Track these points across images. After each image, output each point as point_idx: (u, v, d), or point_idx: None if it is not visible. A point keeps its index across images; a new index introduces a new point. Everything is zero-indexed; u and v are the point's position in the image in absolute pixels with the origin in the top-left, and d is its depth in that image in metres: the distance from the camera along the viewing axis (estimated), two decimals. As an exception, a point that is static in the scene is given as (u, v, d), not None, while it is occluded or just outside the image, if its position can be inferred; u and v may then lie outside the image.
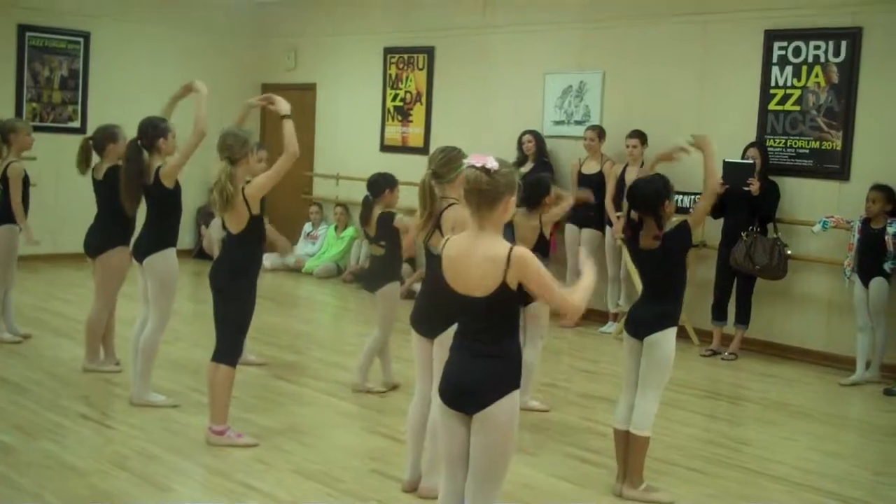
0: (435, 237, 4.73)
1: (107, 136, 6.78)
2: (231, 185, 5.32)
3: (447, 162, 4.82)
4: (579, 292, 3.53)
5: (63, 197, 9.27)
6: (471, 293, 3.47)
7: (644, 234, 5.04)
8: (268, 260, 11.64)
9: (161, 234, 6.26)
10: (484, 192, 3.43)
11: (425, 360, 4.90)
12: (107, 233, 6.78)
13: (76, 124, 11.99)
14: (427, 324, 4.85)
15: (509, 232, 3.69)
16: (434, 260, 4.81)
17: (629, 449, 5.06)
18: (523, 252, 3.42)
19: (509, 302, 3.44)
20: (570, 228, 9.77)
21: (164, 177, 6.16)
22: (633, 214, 5.08)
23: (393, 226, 6.66)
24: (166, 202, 6.24)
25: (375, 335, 6.83)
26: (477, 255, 3.44)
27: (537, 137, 10.07)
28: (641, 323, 5.03)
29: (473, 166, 3.44)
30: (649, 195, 5.01)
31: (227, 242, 5.60)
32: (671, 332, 4.97)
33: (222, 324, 5.55)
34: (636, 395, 5.03)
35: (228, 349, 5.56)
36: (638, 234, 5.08)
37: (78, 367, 7.02)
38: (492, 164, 3.43)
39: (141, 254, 6.28)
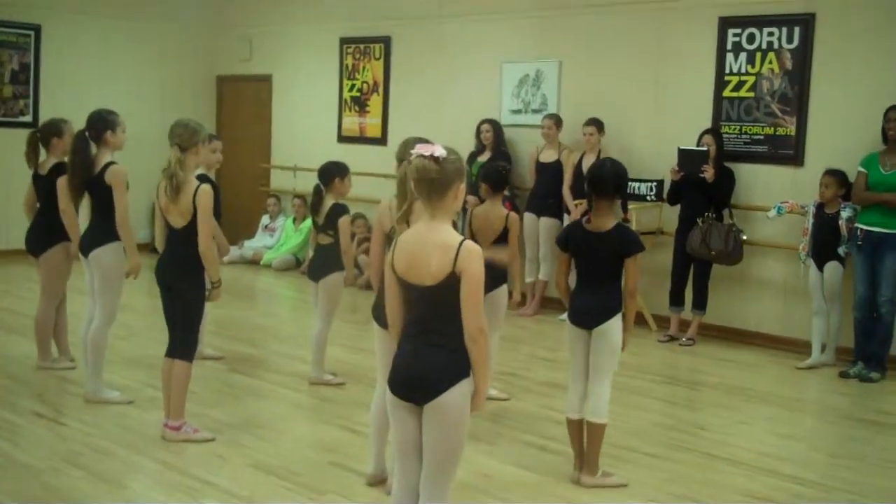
0: (402, 229, 4.68)
1: (52, 130, 6.67)
2: (181, 172, 5.27)
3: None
4: (487, 335, 3.47)
5: (15, 192, 9.10)
6: (422, 282, 3.45)
7: (596, 216, 5.01)
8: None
9: (106, 228, 6.14)
10: (434, 181, 3.44)
11: (388, 352, 4.85)
12: (48, 230, 6.68)
13: (28, 118, 11.79)
14: None
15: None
16: None
17: (588, 437, 5.06)
18: (474, 246, 3.43)
19: (457, 291, 3.41)
20: (528, 217, 9.78)
21: (109, 176, 6.06)
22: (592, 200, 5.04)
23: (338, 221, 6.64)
24: (109, 198, 6.13)
25: (318, 326, 6.80)
26: (429, 243, 3.45)
27: (495, 126, 10.07)
28: (588, 313, 5.00)
29: (421, 155, 3.45)
30: (621, 176, 5.03)
31: (170, 238, 5.51)
32: (618, 319, 4.98)
33: (176, 320, 5.49)
34: (589, 383, 5.03)
35: (185, 344, 5.50)
36: (580, 221, 5.09)
37: (31, 364, 6.92)
38: (439, 152, 3.44)
39: (86, 248, 6.19)
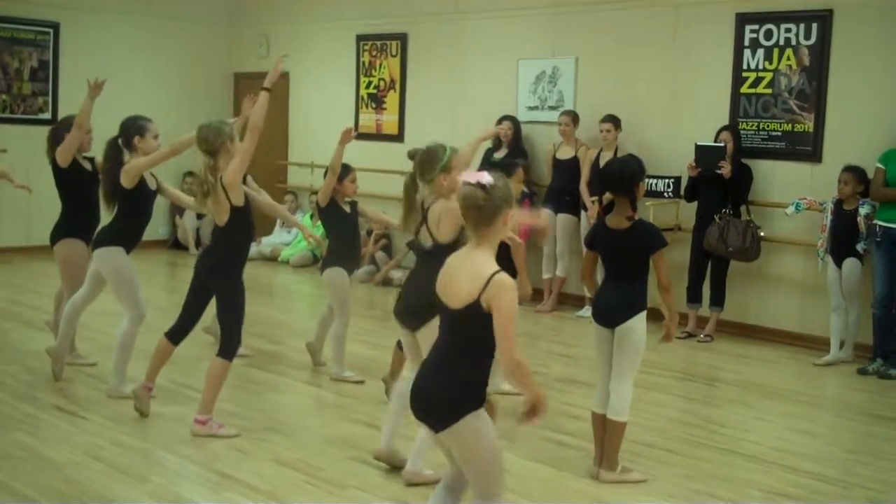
0: (423, 232, 4.86)
1: (69, 126, 6.71)
2: (211, 177, 5.31)
3: (427, 161, 4.87)
4: (523, 367, 3.43)
5: (34, 188, 9.23)
6: (448, 303, 3.46)
7: (614, 214, 5.05)
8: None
9: (114, 230, 6.23)
10: (482, 208, 3.40)
11: (412, 348, 4.98)
12: (62, 222, 6.76)
13: (47, 115, 11.87)
14: (408, 317, 4.90)
15: None
16: (422, 254, 4.86)
17: (608, 434, 5.07)
18: (505, 280, 3.37)
19: (478, 322, 3.39)
20: (545, 214, 9.78)
21: (123, 174, 6.10)
22: (606, 196, 5.08)
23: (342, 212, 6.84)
24: (122, 200, 6.19)
25: (335, 323, 6.87)
26: (466, 267, 3.43)
27: (516, 124, 10.06)
28: (611, 312, 5.00)
29: (468, 183, 3.42)
30: (625, 175, 5.03)
31: (213, 234, 5.60)
32: (641, 317, 4.96)
33: (219, 321, 5.56)
34: (611, 382, 5.04)
35: (226, 343, 5.53)
36: (603, 219, 5.11)
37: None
38: (486, 179, 3.40)
39: (93, 244, 6.30)
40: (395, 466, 5.04)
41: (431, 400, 3.49)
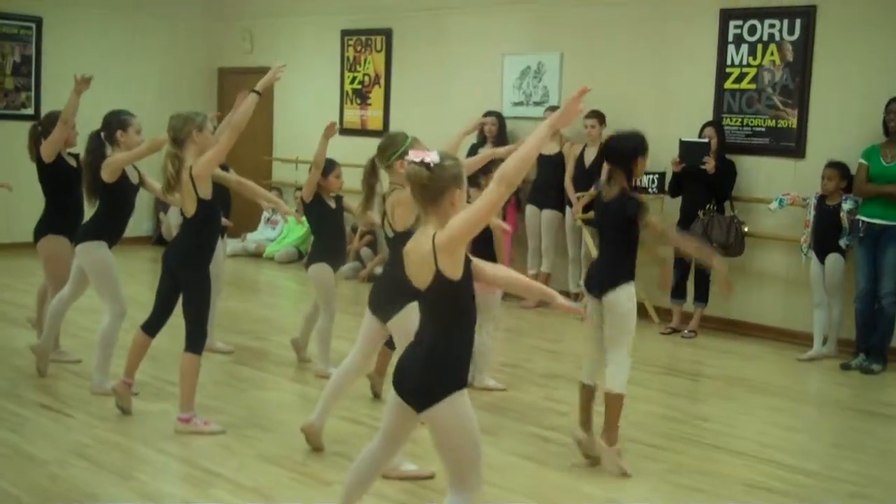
0: (385, 222, 4.94)
1: (53, 122, 6.69)
2: (172, 167, 5.29)
3: (384, 148, 5.00)
4: (506, 162, 3.26)
5: (16, 185, 9.22)
6: (419, 286, 3.45)
7: (609, 186, 5.21)
8: (228, 245, 11.58)
9: (96, 225, 6.23)
10: (427, 187, 3.36)
11: (369, 334, 5.10)
12: (46, 218, 6.75)
13: (30, 111, 11.81)
14: (378, 303, 4.98)
15: None
16: (389, 242, 4.93)
17: (605, 406, 5.13)
18: (441, 233, 3.32)
19: (448, 294, 3.38)
20: (530, 209, 9.81)
21: (103, 168, 6.08)
22: (590, 192, 5.20)
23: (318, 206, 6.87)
24: (104, 194, 6.17)
25: (320, 319, 6.88)
26: (417, 249, 3.41)
27: (500, 119, 10.06)
28: (597, 281, 5.11)
29: (413, 162, 3.38)
30: (626, 149, 5.15)
31: (182, 225, 5.58)
32: (627, 287, 5.03)
33: (184, 314, 5.53)
34: (606, 354, 5.10)
35: (193, 337, 5.51)
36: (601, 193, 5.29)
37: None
38: (432, 157, 3.36)
39: (75, 239, 6.29)
40: (316, 448, 5.26)
41: (413, 380, 3.48)
